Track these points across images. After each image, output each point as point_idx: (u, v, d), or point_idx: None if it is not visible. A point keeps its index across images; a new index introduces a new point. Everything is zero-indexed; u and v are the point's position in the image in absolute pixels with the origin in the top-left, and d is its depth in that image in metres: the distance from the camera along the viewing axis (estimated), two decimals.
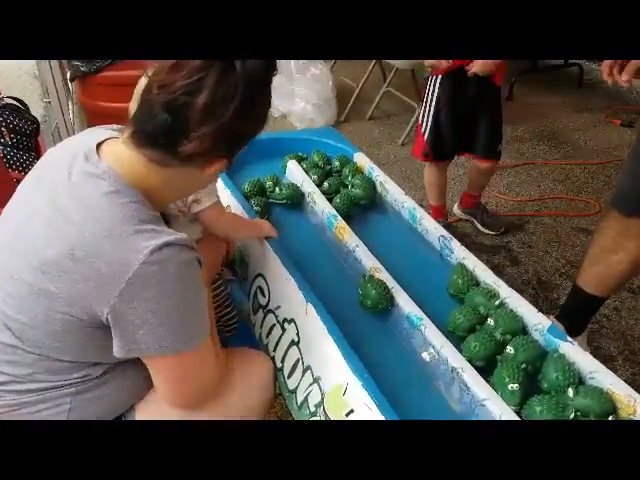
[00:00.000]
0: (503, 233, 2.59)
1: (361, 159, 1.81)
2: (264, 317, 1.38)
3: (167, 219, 1.10)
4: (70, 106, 2.46)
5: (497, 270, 2.33)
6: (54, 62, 2.28)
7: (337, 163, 1.81)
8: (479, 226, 2.62)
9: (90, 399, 1.00)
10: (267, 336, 1.35)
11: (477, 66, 2.04)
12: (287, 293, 1.28)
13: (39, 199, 0.94)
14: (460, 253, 1.39)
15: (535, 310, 1.20)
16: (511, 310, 1.20)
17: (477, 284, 1.32)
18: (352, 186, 1.68)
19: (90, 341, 0.94)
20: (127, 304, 0.87)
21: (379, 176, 1.72)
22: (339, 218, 1.52)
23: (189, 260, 0.91)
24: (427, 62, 2.17)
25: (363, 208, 1.67)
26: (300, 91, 3.67)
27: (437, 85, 2.17)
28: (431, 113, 2.23)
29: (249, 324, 1.44)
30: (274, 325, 1.32)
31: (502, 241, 2.56)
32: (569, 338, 1.12)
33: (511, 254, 2.47)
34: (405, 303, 1.24)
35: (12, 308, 0.92)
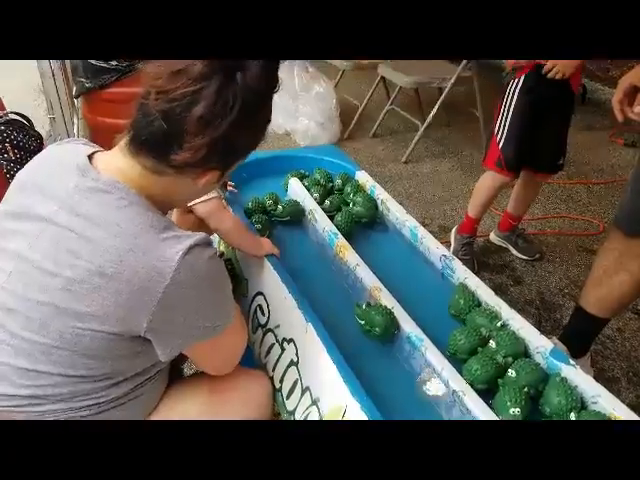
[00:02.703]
0: (538, 259, 2.55)
1: (363, 177, 1.81)
2: (263, 336, 1.36)
3: None
4: (75, 122, 2.46)
5: (500, 289, 2.32)
6: (59, 78, 2.29)
7: (339, 181, 1.80)
8: (514, 251, 2.57)
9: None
10: (266, 355, 1.33)
11: (556, 66, 1.98)
12: (287, 312, 1.27)
13: (32, 224, 0.92)
14: (462, 273, 1.38)
15: (537, 332, 1.18)
16: (513, 332, 1.19)
17: (479, 305, 1.30)
18: (353, 204, 1.67)
19: (120, 354, 0.93)
20: (168, 310, 0.88)
21: (380, 194, 1.71)
22: (340, 236, 1.51)
23: (212, 255, 0.93)
24: (510, 61, 2.09)
25: (364, 226, 1.66)
26: (304, 109, 3.69)
27: (517, 90, 2.12)
28: (508, 120, 2.17)
29: (248, 343, 1.43)
30: (273, 344, 1.31)
31: (505, 260, 2.55)
32: (572, 361, 1.10)
33: (515, 273, 2.46)
34: (406, 324, 1.23)
35: (33, 330, 0.90)
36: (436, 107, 3.34)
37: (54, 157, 1.01)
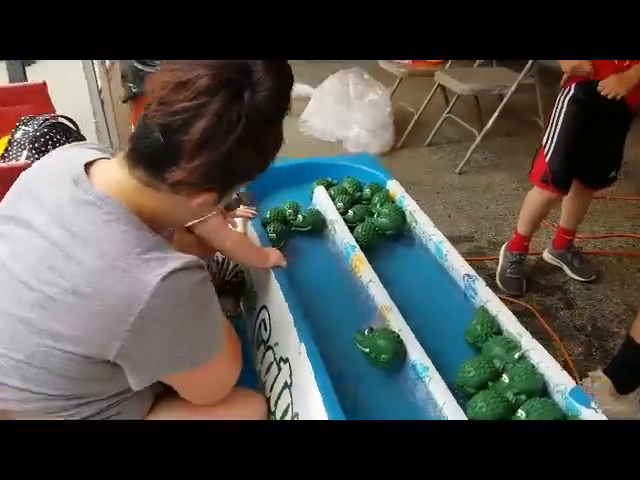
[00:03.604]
0: (593, 281, 2.35)
1: (394, 187, 1.70)
2: (264, 353, 1.28)
3: None
4: (113, 127, 2.48)
5: (549, 312, 2.14)
6: (103, 82, 2.31)
7: (368, 191, 1.71)
8: (569, 272, 2.37)
9: None
10: (265, 374, 1.25)
11: (609, 86, 1.86)
12: (284, 329, 1.18)
13: (22, 230, 0.88)
14: (484, 295, 1.25)
15: (559, 367, 1.04)
16: (532, 366, 1.05)
17: (499, 332, 1.17)
18: (379, 215, 1.57)
19: (91, 377, 0.87)
20: (141, 336, 0.82)
21: (410, 205, 1.60)
22: (357, 249, 1.42)
23: (200, 280, 0.86)
24: (567, 66, 1.95)
25: (389, 239, 1.55)
26: (356, 116, 3.60)
27: (567, 99, 1.99)
28: (557, 131, 2.03)
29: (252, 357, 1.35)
30: (272, 363, 1.23)
31: (558, 281, 2.36)
32: (594, 404, 0.95)
33: (567, 295, 2.26)
34: (413, 349, 1.11)
35: (8, 344, 0.85)
36: (494, 116, 3.17)
37: (53, 164, 0.97)
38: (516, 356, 1.07)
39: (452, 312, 1.29)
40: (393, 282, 1.37)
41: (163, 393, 1.06)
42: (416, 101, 3.79)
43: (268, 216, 1.55)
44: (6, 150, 2.35)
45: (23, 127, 2.41)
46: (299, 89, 4.50)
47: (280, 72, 0.86)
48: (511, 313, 1.19)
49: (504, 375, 1.04)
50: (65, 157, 0.97)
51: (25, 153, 2.32)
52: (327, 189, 1.70)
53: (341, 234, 1.48)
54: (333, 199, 1.65)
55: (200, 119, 0.78)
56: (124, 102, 2.76)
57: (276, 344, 1.22)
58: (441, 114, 3.59)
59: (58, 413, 0.90)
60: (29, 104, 2.58)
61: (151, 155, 0.83)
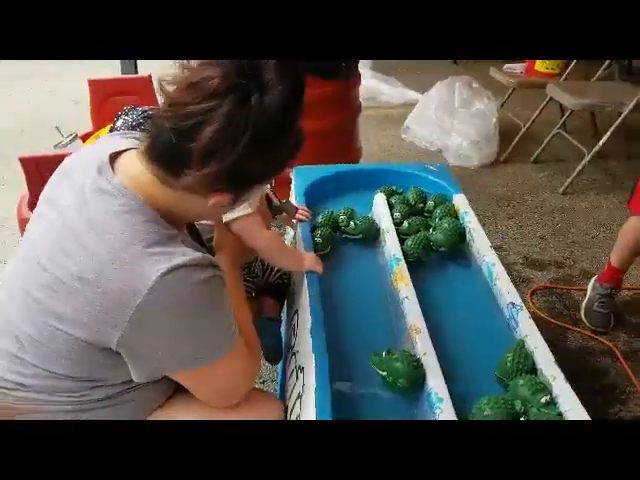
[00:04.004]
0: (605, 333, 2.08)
1: (460, 201, 1.60)
2: (290, 359, 1.25)
3: None
4: None
5: (634, 356, 1.91)
6: None
7: (431, 202, 1.62)
8: (582, 315, 2.13)
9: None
10: (288, 380, 1.22)
11: None
12: (304, 337, 1.14)
13: (52, 212, 0.92)
14: (525, 328, 1.13)
15: (587, 418, 0.91)
16: (558, 414, 0.93)
17: (532, 371, 1.05)
18: (435, 229, 1.48)
19: (95, 362, 0.89)
20: (140, 330, 0.83)
21: (471, 223, 1.50)
22: (402, 262, 1.34)
23: (205, 279, 0.85)
24: None
25: (443, 256, 1.46)
26: (459, 126, 3.46)
27: None
28: None
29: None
30: (293, 370, 1.19)
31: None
32: None
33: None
34: (433, 377, 1.03)
35: (24, 319, 0.90)
36: (607, 134, 2.91)
37: (92, 150, 1.00)
38: (542, 400, 0.95)
39: (491, 342, 1.18)
40: (435, 302, 1.29)
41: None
42: (528, 114, 3.57)
43: (320, 220, 1.51)
44: None
45: (124, 116, 2.54)
46: (406, 95, 4.42)
47: (291, 74, 0.83)
48: (549, 351, 1.06)
49: (522, 419, 0.93)
50: (103, 144, 0.99)
51: None
52: (389, 197, 1.64)
53: (390, 245, 1.41)
54: (392, 208, 1.58)
55: (209, 125, 0.78)
56: None
57: (298, 351, 1.19)
58: (553, 129, 3.36)
59: (66, 393, 0.92)
60: (136, 95, 2.73)
61: (165, 155, 0.85)
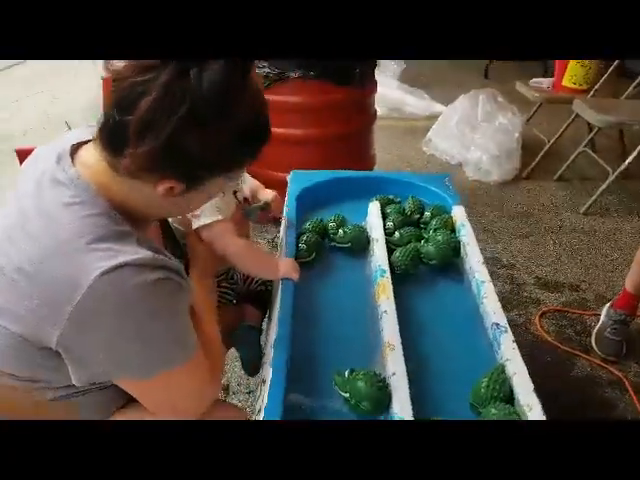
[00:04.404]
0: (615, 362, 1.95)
1: (458, 213, 1.52)
2: (261, 370, 1.19)
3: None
4: None
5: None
6: None
7: (428, 213, 1.54)
8: (593, 341, 2.02)
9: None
10: (256, 392, 1.16)
11: None
12: (268, 349, 1.07)
13: (12, 199, 0.88)
14: (507, 352, 1.04)
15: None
16: None
17: (507, 400, 0.96)
18: (427, 241, 1.40)
19: (34, 362, 0.84)
20: (79, 330, 0.77)
21: (466, 236, 1.41)
22: (387, 274, 1.26)
23: (153, 281, 0.79)
24: None
25: (434, 269, 1.37)
26: (480, 140, 3.36)
27: None
28: None
29: None
30: (259, 383, 1.12)
31: None
32: None
33: None
34: (398, 401, 0.95)
35: None
36: (634, 154, 2.78)
37: (60, 139, 0.96)
38: None
39: (471, 364, 1.09)
40: (417, 318, 1.21)
41: None
42: (554, 130, 3.45)
43: (307, 226, 1.44)
44: None
45: None
46: (432, 107, 4.34)
47: (234, 59, 0.78)
48: (529, 379, 0.97)
49: None
50: (73, 134, 0.95)
51: None
52: (385, 206, 1.56)
53: (377, 256, 1.34)
54: (386, 217, 1.50)
55: (146, 95, 0.73)
56: None
57: (264, 362, 1.12)
58: (579, 147, 3.23)
59: (15, 391, 0.87)
60: None
61: (108, 134, 0.80)
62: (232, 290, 1.39)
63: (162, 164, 0.78)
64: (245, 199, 1.27)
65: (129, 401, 0.96)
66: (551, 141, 3.34)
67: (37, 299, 0.77)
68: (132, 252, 0.79)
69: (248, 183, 1.31)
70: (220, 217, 1.12)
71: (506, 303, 2.20)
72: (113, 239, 0.79)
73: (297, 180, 1.66)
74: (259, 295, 1.43)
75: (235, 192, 1.20)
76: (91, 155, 0.85)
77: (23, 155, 1.90)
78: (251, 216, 1.26)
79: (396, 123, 4.22)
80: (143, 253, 0.80)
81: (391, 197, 1.61)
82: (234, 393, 1.75)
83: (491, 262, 2.44)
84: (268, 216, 1.36)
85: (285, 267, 1.21)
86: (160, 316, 0.82)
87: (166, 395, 0.89)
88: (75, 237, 0.78)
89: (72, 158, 0.86)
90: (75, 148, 0.88)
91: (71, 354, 0.80)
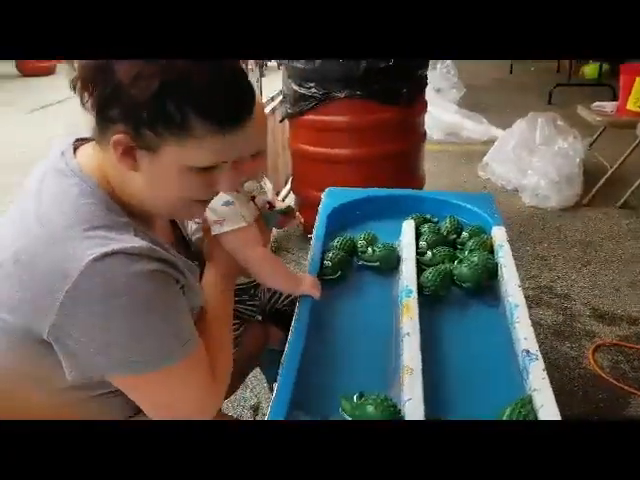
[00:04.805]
0: None
1: (498, 235, 1.43)
2: None
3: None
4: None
5: None
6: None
7: (466, 234, 1.46)
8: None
9: None
10: None
11: None
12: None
13: (20, 193, 0.89)
14: (535, 381, 0.95)
15: None
16: None
17: None
18: (461, 262, 1.31)
19: (30, 357, 0.83)
20: (69, 319, 0.76)
21: (504, 258, 1.32)
22: (413, 295, 1.19)
23: (146, 272, 0.78)
24: None
25: (467, 292, 1.29)
26: (538, 164, 3.23)
27: None
28: None
29: None
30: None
31: None
32: None
33: None
34: None
35: None
36: None
37: (67, 137, 0.98)
38: None
39: (496, 393, 1.00)
40: (442, 342, 1.13)
41: None
42: (618, 155, 3.28)
43: (335, 244, 1.39)
44: None
45: None
46: (490, 132, 4.23)
47: None
48: (557, 412, 0.87)
49: None
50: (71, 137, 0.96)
51: None
52: (420, 225, 1.49)
53: (405, 275, 1.27)
54: (419, 236, 1.44)
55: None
56: (281, 122, 2.82)
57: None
58: None
59: (11, 393, 0.87)
60: None
61: (98, 108, 0.79)
62: (255, 306, 1.35)
63: (108, 111, 0.78)
64: (269, 205, 1.23)
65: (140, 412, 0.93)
66: (614, 166, 3.17)
67: (31, 289, 0.77)
68: (127, 241, 0.78)
69: (269, 190, 1.27)
70: (244, 224, 1.08)
71: (558, 334, 2.06)
72: (109, 228, 0.79)
73: (331, 197, 1.62)
74: (284, 315, 1.38)
75: (253, 197, 1.16)
76: (91, 149, 0.87)
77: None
78: (270, 222, 1.22)
79: (452, 148, 4.15)
80: (139, 243, 0.79)
81: (428, 216, 1.54)
82: (264, 415, 1.70)
83: (544, 291, 2.30)
84: (290, 221, 1.32)
85: (307, 284, 1.16)
86: (152, 309, 0.80)
87: (160, 396, 0.86)
88: (70, 225, 0.78)
89: (75, 154, 0.87)
90: (78, 145, 0.90)
91: (62, 345, 0.78)
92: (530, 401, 0.92)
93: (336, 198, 1.61)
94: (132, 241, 0.79)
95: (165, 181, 0.83)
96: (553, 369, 1.95)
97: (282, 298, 1.40)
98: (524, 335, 1.06)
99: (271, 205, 1.23)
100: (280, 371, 0.98)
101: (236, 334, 1.23)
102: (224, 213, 1.06)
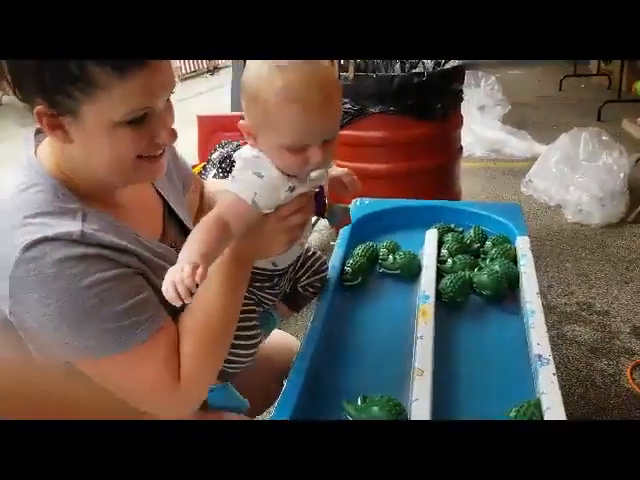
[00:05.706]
0: None
1: (522, 244, 1.42)
2: None
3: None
4: None
5: None
6: None
7: (489, 243, 1.45)
8: None
9: None
10: None
11: None
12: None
13: None
14: (543, 384, 0.94)
15: None
16: None
17: None
18: (482, 270, 1.31)
19: (17, 339, 0.85)
20: (17, 303, 0.80)
21: (525, 266, 1.31)
22: (430, 300, 1.20)
23: (77, 256, 0.79)
24: None
25: (487, 300, 1.28)
26: (581, 180, 3.16)
27: None
28: None
29: None
30: None
31: None
32: None
33: None
34: None
35: None
36: None
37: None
38: None
39: (506, 397, 0.99)
40: (458, 349, 1.13)
41: None
42: None
43: (357, 251, 1.41)
44: (203, 167, 2.63)
45: (220, 149, 2.67)
46: (534, 148, 4.17)
47: None
48: (564, 417, 0.86)
49: None
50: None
51: (214, 171, 2.56)
52: (443, 235, 1.50)
53: (424, 282, 1.28)
54: (441, 245, 1.44)
55: None
56: None
57: None
58: None
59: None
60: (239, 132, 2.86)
61: (17, 90, 0.83)
62: (275, 295, 1.17)
63: (23, 89, 0.81)
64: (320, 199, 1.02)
65: None
66: None
67: None
68: (63, 226, 0.80)
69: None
70: (244, 198, 0.89)
71: (595, 351, 2.01)
72: (52, 214, 0.82)
73: (358, 208, 1.64)
74: (300, 297, 1.26)
75: (321, 188, 0.98)
76: (47, 138, 0.90)
77: (203, 122, 2.27)
78: (335, 217, 1.09)
79: (494, 164, 4.11)
80: (75, 228, 0.81)
81: (452, 226, 1.54)
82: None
83: (583, 308, 2.25)
84: (347, 223, 1.18)
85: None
86: (85, 294, 0.79)
87: (114, 382, 0.87)
88: (15, 212, 0.82)
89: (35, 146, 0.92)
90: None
91: (21, 330, 0.82)
92: (536, 403, 0.91)
93: (363, 209, 1.63)
94: (68, 226, 0.81)
95: (99, 145, 0.82)
96: (589, 386, 1.90)
97: (303, 281, 1.23)
98: (537, 340, 1.05)
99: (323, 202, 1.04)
100: (290, 372, 1.00)
101: (250, 325, 1.07)
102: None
